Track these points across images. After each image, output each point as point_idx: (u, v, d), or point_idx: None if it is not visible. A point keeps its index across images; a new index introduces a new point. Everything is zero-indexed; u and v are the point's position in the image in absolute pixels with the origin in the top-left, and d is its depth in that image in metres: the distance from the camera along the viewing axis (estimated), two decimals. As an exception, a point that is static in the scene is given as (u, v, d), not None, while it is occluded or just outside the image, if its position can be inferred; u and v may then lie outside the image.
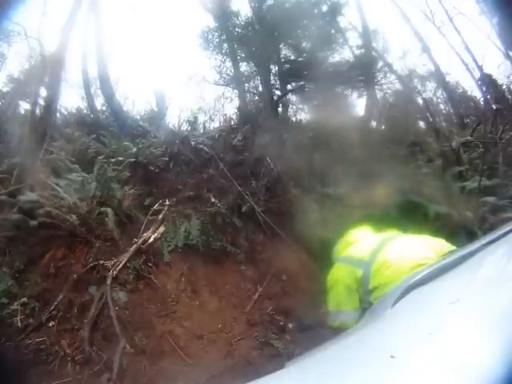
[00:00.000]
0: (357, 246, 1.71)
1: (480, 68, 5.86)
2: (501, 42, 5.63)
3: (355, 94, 6.34)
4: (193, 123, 5.81)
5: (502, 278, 0.61)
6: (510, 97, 6.20)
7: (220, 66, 6.50)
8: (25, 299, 2.66)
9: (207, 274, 3.49)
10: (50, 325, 2.60)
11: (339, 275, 1.63)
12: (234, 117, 6.36)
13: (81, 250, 3.08)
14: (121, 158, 4.33)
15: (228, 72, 6.53)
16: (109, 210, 3.33)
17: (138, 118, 6.55)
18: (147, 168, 4.46)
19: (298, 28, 5.68)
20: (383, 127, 6.63)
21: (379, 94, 6.60)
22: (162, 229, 3.57)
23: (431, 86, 7.08)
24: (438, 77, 6.79)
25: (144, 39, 10.81)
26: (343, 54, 6.03)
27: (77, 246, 3.09)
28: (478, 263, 0.71)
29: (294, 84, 6.05)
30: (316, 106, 6.29)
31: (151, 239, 3.41)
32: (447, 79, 6.98)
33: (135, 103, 7.43)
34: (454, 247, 1.45)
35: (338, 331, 1.39)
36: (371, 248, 1.59)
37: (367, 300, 1.48)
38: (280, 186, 4.36)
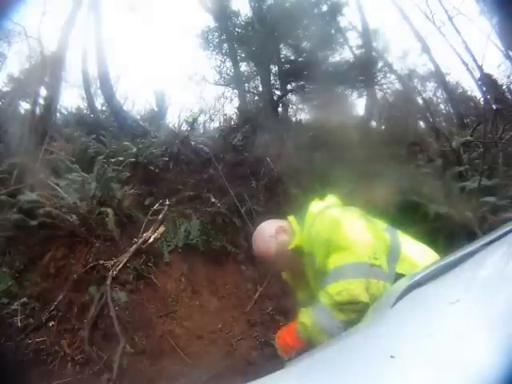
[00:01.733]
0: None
1: (480, 68, 5.86)
2: (501, 42, 5.63)
3: (355, 94, 6.35)
4: (192, 124, 5.81)
5: (502, 278, 0.61)
6: (510, 97, 6.21)
7: (220, 65, 6.50)
8: (25, 299, 2.67)
9: (207, 274, 3.49)
10: (50, 325, 2.61)
11: (359, 222, 1.13)
12: (234, 117, 6.36)
13: (81, 250, 3.08)
14: (121, 158, 4.33)
15: (228, 72, 6.54)
16: (109, 210, 3.33)
17: (138, 117, 6.53)
18: (147, 168, 4.46)
19: (298, 28, 5.69)
20: (383, 127, 6.63)
21: (379, 94, 6.60)
22: (161, 229, 3.57)
23: (431, 86, 7.08)
24: (438, 77, 6.79)
25: (144, 39, 10.79)
26: (343, 54, 6.03)
27: (77, 246, 3.10)
28: (478, 263, 0.71)
29: (294, 84, 6.05)
30: (316, 106, 6.29)
31: (151, 239, 3.42)
32: (447, 79, 6.99)
33: (135, 103, 7.42)
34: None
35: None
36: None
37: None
38: (280, 185, 4.36)
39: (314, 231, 1.17)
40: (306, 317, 1.09)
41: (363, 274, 0.99)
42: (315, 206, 1.29)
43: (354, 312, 0.97)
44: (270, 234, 1.28)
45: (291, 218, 1.35)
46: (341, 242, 1.08)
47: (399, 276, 1.03)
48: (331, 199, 1.35)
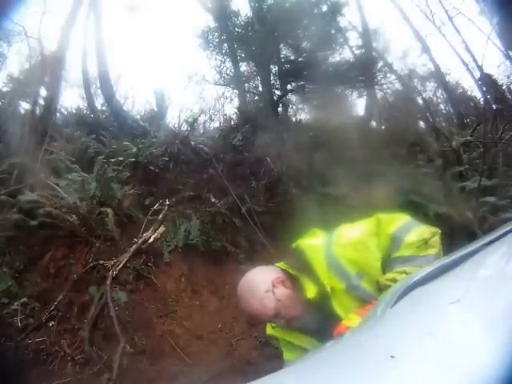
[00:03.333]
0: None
1: (480, 68, 5.86)
2: (501, 42, 5.64)
3: (355, 94, 6.34)
4: (192, 124, 5.81)
5: (502, 278, 0.61)
6: (510, 97, 6.21)
7: (220, 65, 6.49)
8: (25, 299, 2.67)
9: (207, 274, 3.49)
10: (50, 325, 2.62)
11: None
12: (234, 117, 6.35)
13: (81, 250, 3.09)
14: (121, 158, 4.33)
15: (228, 72, 6.53)
16: (109, 210, 3.33)
17: (138, 117, 6.53)
18: (147, 168, 4.46)
19: (298, 28, 5.68)
20: (383, 127, 6.63)
21: (379, 94, 6.60)
22: (161, 229, 3.58)
23: (431, 86, 7.09)
24: (438, 77, 6.79)
25: (144, 39, 10.79)
26: (343, 54, 6.02)
27: (77, 246, 3.10)
28: (478, 263, 0.72)
29: (294, 84, 6.04)
30: (316, 106, 6.29)
31: (151, 239, 3.42)
32: (447, 79, 7.00)
33: (135, 103, 7.40)
34: None
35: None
36: None
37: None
38: (280, 185, 4.36)
39: (340, 251, 1.04)
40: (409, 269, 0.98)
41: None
42: (308, 241, 1.12)
43: (437, 243, 1.02)
44: (265, 288, 1.04)
45: (281, 264, 1.13)
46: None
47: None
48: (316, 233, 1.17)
